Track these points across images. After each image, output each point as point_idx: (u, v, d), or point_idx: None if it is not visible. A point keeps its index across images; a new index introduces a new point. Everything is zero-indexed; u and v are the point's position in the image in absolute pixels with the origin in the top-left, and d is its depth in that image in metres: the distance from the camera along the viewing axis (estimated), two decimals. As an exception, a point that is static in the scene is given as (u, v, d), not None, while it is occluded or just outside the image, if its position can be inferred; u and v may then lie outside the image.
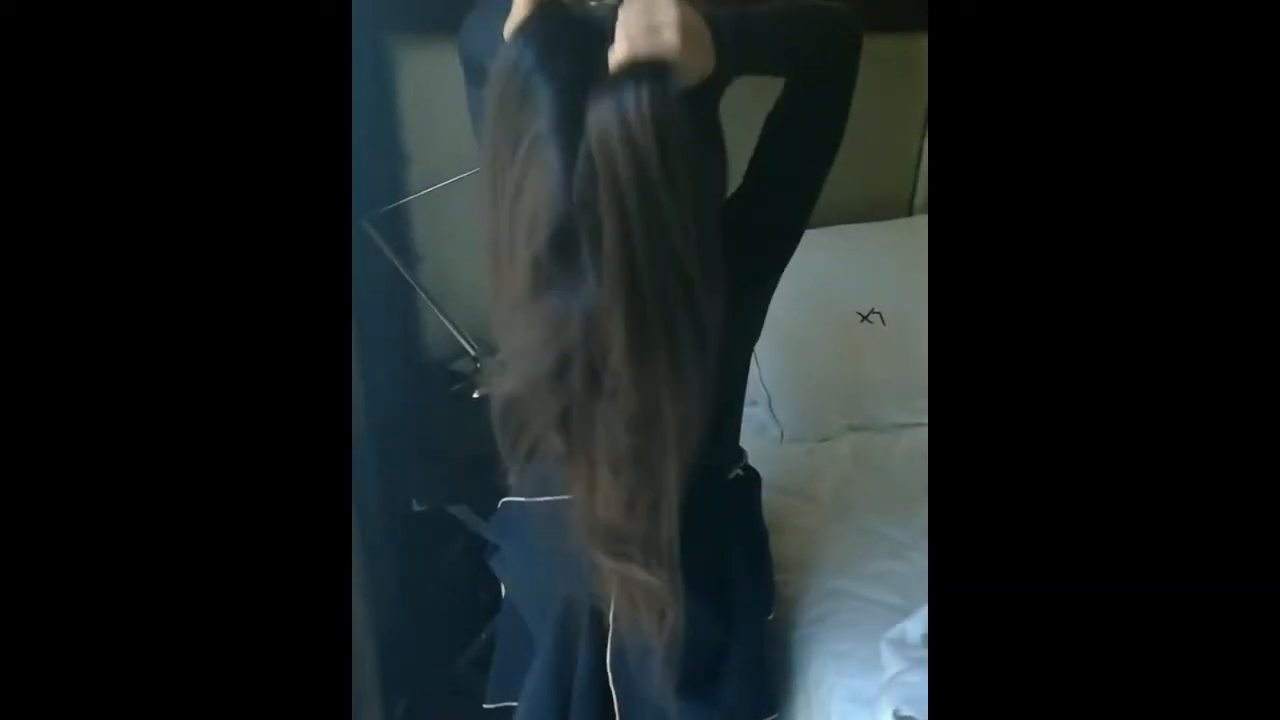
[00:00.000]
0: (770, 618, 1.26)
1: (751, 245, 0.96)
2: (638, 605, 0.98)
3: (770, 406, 1.80)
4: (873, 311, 1.83)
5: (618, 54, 0.76)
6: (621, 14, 0.77)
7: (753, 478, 1.19)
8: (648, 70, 0.75)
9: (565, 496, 0.95)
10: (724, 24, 0.82)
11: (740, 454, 1.16)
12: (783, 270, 1.02)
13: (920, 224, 2.00)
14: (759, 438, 1.78)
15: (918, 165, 2.09)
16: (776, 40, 0.89)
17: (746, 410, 1.80)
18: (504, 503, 1.17)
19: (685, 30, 0.76)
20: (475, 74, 0.96)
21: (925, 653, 1.17)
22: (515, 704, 1.19)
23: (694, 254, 0.79)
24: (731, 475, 1.14)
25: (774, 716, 1.26)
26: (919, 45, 1.78)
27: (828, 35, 0.93)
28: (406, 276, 1.68)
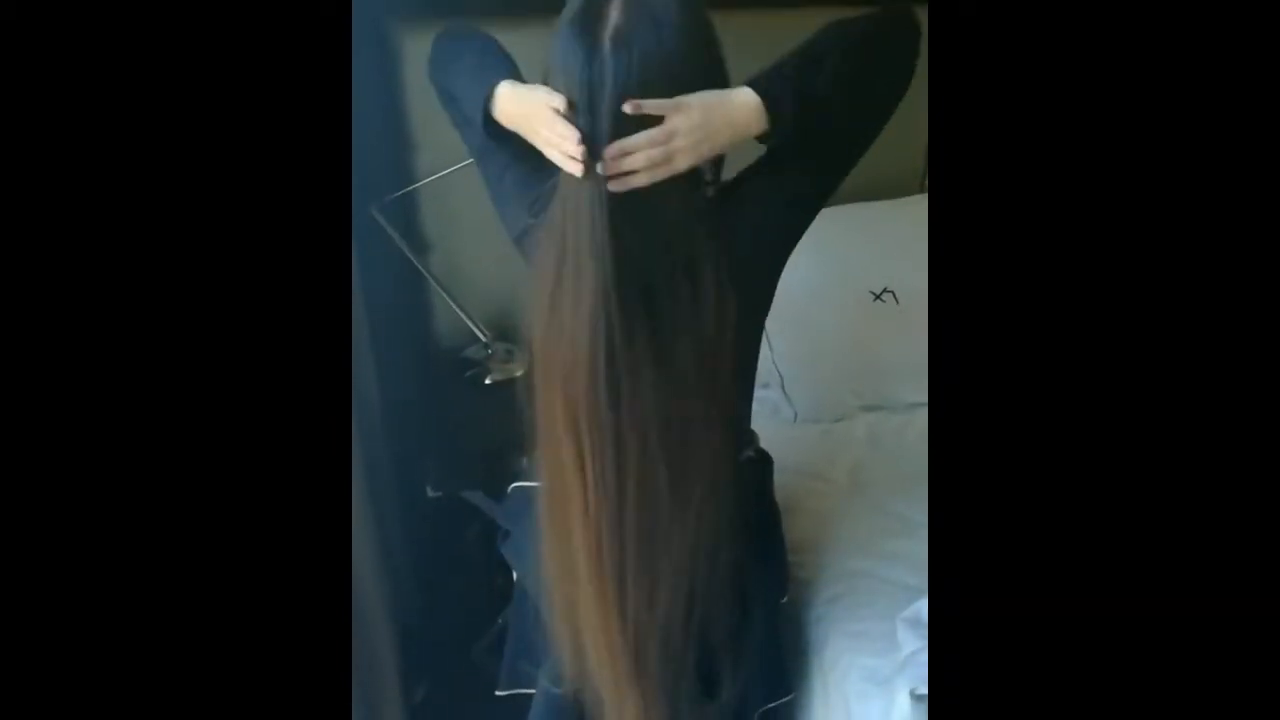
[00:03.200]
0: (784, 600, 1.26)
1: (768, 218, 0.95)
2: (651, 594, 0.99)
3: (784, 388, 1.80)
4: (885, 290, 1.81)
5: (637, 184, 0.83)
6: (644, 141, 0.82)
7: (764, 460, 1.19)
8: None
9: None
10: (784, 102, 0.85)
11: (752, 436, 1.16)
12: (794, 246, 1.01)
13: (932, 200, 1.98)
14: (773, 419, 1.78)
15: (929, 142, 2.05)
16: (840, 85, 0.89)
17: (760, 392, 1.81)
18: (514, 487, 1.17)
19: (697, 146, 0.83)
20: (452, 103, 1.01)
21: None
22: (530, 690, 1.19)
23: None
24: (743, 458, 1.13)
25: (789, 698, 1.26)
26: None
27: (897, 51, 0.93)
28: (416, 264, 1.68)
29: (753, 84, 0.86)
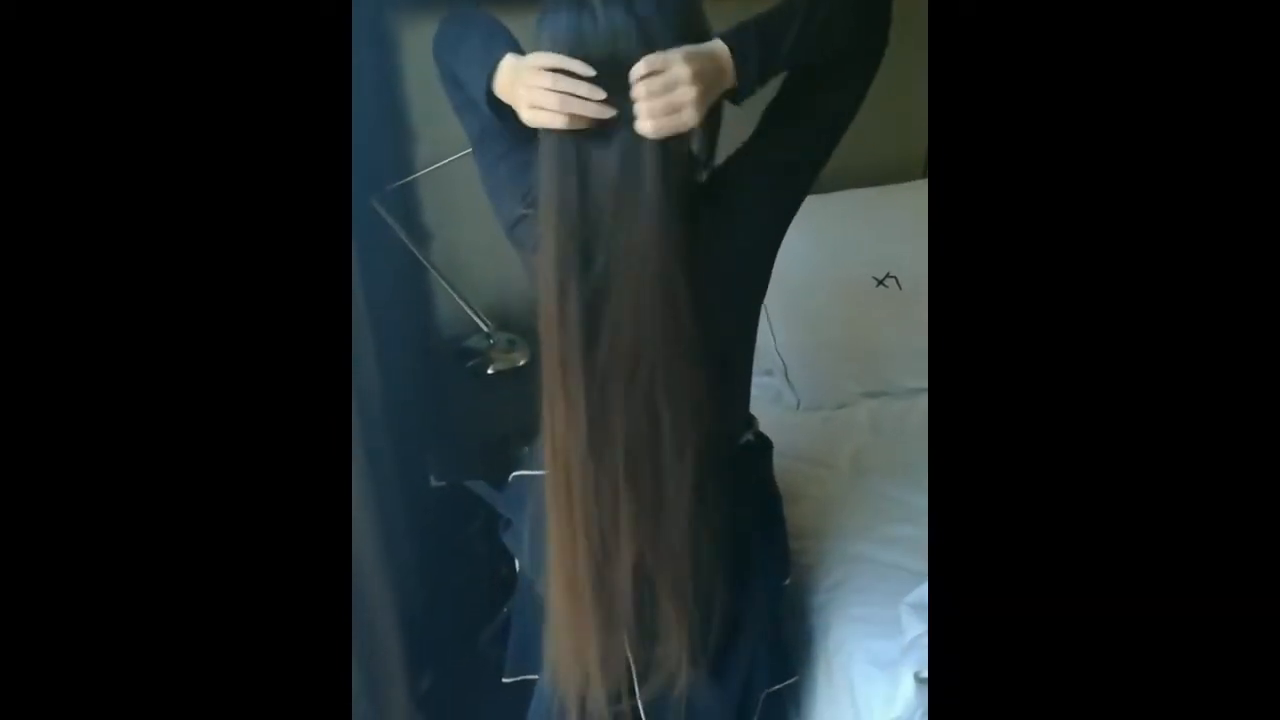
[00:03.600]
0: (786, 582, 1.26)
1: (761, 196, 0.95)
2: (653, 574, 0.99)
3: (786, 375, 1.79)
4: (888, 276, 1.81)
5: (642, 131, 0.84)
6: (643, 91, 0.83)
7: (764, 443, 1.19)
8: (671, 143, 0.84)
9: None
10: (750, 53, 0.86)
11: (750, 419, 1.16)
12: (788, 225, 1.01)
13: (934, 185, 1.96)
14: (775, 406, 1.78)
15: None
16: (808, 43, 0.89)
17: (763, 379, 1.81)
18: (514, 476, 1.17)
19: (703, 94, 0.83)
20: (455, 86, 1.00)
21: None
22: (534, 678, 1.20)
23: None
24: (743, 441, 1.14)
25: (792, 680, 1.26)
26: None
27: (863, 20, 0.93)
28: (417, 254, 1.67)
29: (722, 38, 0.87)
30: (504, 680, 1.24)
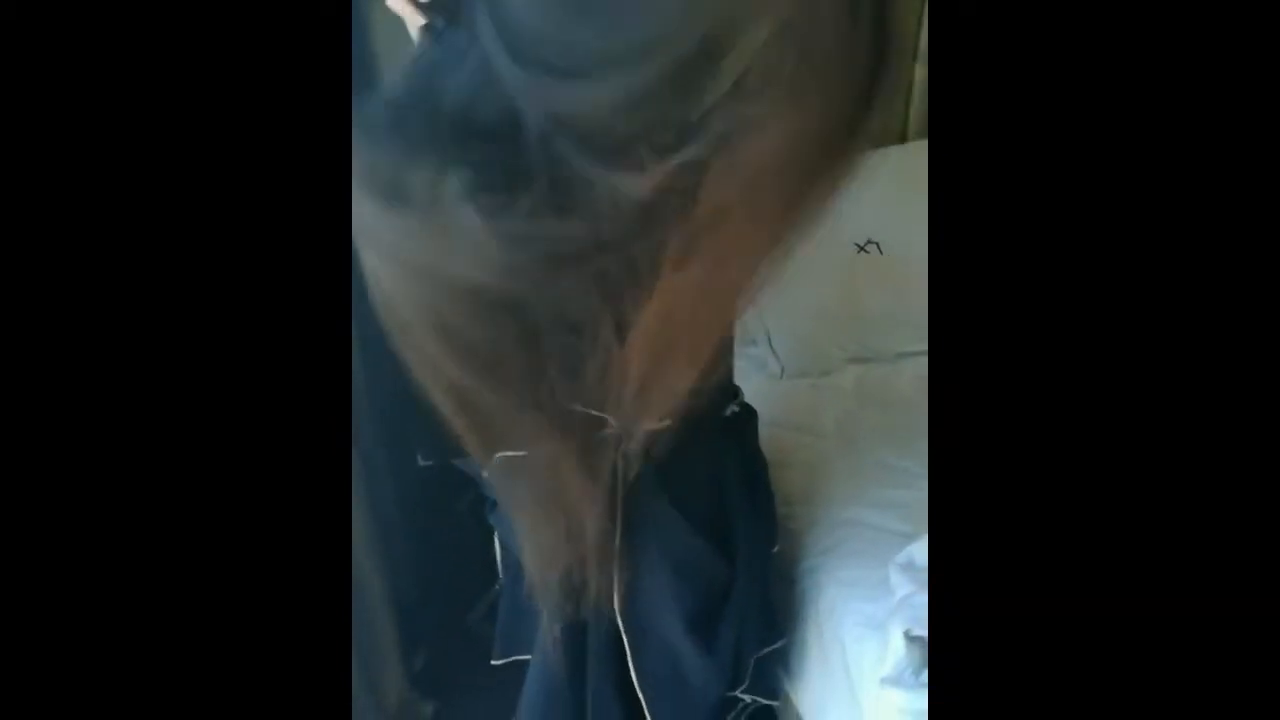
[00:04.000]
0: (775, 550, 1.28)
1: None
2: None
3: (770, 343, 1.80)
4: (869, 242, 1.81)
5: None
6: None
7: (749, 413, 1.19)
8: None
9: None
10: None
11: (736, 390, 1.16)
12: None
13: (913, 150, 1.96)
14: (759, 374, 1.78)
15: (909, 91, 2.06)
16: None
17: (747, 349, 1.81)
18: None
19: None
20: None
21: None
22: (525, 657, 1.20)
23: None
24: (728, 412, 1.14)
25: (781, 644, 1.28)
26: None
27: None
28: (397, 232, 1.65)
29: None
30: (494, 662, 1.25)
